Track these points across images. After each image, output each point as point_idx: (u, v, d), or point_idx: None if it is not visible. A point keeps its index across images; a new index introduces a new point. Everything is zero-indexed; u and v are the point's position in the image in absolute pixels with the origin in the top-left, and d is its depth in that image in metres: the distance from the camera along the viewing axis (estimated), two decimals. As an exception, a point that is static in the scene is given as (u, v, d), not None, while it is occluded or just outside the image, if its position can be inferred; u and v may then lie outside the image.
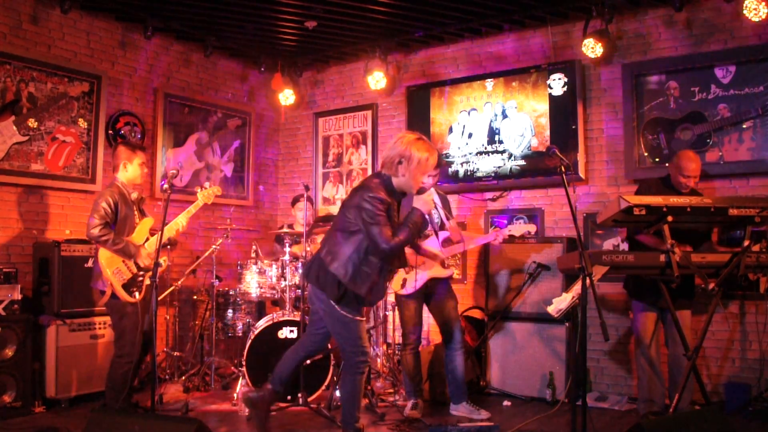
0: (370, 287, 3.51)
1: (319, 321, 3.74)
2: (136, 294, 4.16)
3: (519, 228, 4.81)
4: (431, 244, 4.57)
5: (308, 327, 3.92)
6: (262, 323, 4.96)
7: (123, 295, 4.12)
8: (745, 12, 4.65)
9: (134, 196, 4.37)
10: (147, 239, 4.30)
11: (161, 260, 4.32)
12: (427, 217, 3.60)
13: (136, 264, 4.22)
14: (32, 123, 5.15)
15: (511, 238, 5.29)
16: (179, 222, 4.45)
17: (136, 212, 4.34)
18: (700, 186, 4.60)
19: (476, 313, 5.74)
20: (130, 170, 4.34)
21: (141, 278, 4.21)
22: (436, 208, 4.68)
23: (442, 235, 4.61)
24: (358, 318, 3.55)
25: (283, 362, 3.88)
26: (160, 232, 3.89)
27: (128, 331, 4.14)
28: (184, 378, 5.34)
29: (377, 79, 6.23)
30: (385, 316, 5.80)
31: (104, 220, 4.10)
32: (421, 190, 3.60)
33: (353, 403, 3.58)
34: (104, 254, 4.13)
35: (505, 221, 5.80)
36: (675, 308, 4.07)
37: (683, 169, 4.21)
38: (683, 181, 4.23)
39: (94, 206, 4.17)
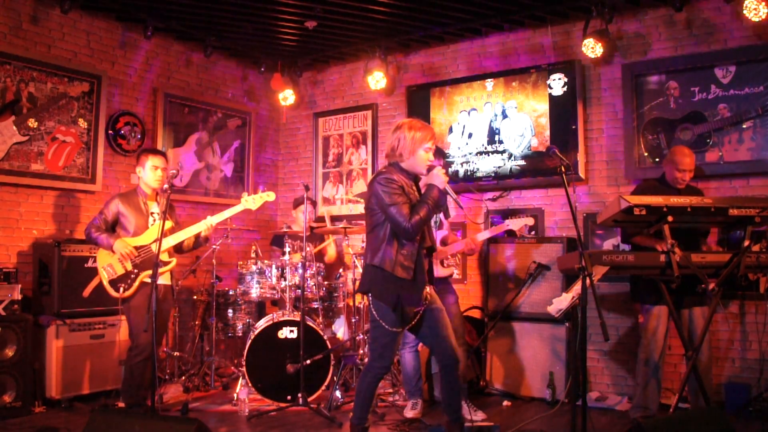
0: (412, 274, 3.39)
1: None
2: (121, 289, 4.24)
3: (517, 222, 4.80)
4: None
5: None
6: (262, 323, 4.96)
7: (108, 289, 4.28)
8: (745, 12, 4.64)
9: (158, 205, 4.48)
10: (155, 240, 4.31)
11: (171, 259, 4.42)
12: (446, 189, 3.47)
13: (135, 264, 4.27)
14: (32, 123, 5.15)
15: (510, 233, 5.29)
16: (204, 224, 4.49)
17: (152, 217, 4.43)
18: (700, 186, 4.61)
19: (476, 313, 5.74)
20: (143, 174, 4.45)
21: (134, 276, 4.26)
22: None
23: (440, 234, 4.61)
24: (384, 325, 3.42)
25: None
26: (160, 233, 3.90)
27: (134, 325, 4.26)
28: (184, 378, 5.34)
29: (377, 79, 6.22)
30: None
31: (95, 225, 4.36)
32: (430, 168, 3.51)
33: (358, 403, 3.52)
34: (101, 252, 4.36)
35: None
36: (691, 305, 4.12)
37: (678, 164, 4.24)
38: (678, 176, 4.24)
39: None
